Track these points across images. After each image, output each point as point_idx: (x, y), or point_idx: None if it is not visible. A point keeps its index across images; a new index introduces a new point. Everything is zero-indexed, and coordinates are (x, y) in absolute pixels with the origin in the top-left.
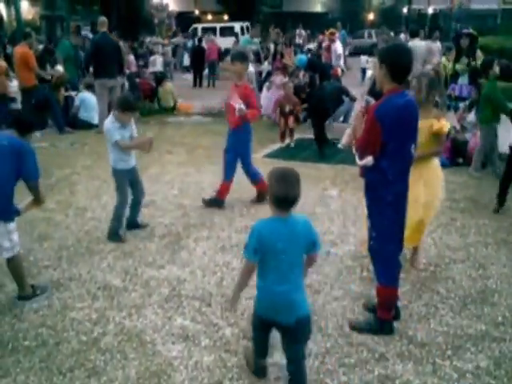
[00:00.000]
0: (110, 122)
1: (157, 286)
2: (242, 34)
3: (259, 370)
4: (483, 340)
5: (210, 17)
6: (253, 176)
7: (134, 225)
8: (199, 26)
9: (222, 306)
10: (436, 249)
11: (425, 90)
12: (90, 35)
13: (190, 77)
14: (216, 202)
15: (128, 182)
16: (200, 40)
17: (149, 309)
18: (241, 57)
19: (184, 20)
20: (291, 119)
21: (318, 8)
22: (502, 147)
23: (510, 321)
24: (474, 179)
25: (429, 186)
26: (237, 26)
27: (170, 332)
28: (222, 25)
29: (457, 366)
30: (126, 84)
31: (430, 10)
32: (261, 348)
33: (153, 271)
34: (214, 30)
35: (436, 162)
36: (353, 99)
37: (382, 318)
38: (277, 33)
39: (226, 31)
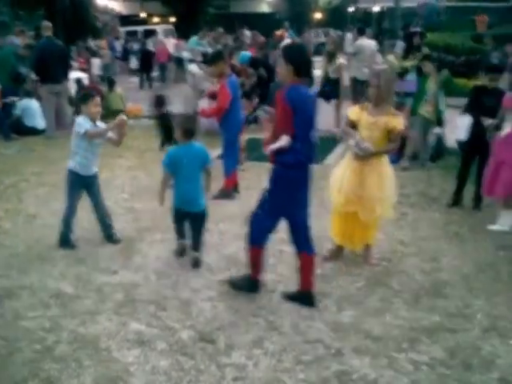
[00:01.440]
0: (81, 119)
1: (110, 291)
2: (166, 36)
3: (181, 250)
4: (437, 331)
5: (156, 19)
6: (224, 168)
7: (108, 238)
8: (122, 30)
9: (178, 310)
10: (388, 244)
11: (384, 87)
12: (16, 41)
13: (136, 80)
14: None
15: (81, 189)
16: (144, 43)
17: (103, 315)
18: (220, 56)
19: (130, 23)
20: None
21: (265, 8)
22: (450, 141)
23: (462, 312)
24: (423, 174)
25: (383, 183)
26: (159, 28)
27: (126, 338)
28: (145, 28)
29: (412, 358)
30: (73, 89)
31: (376, 9)
32: (180, 232)
33: (106, 277)
34: (135, 32)
35: (386, 159)
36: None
37: (253, 277)
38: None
39: (149, 34)
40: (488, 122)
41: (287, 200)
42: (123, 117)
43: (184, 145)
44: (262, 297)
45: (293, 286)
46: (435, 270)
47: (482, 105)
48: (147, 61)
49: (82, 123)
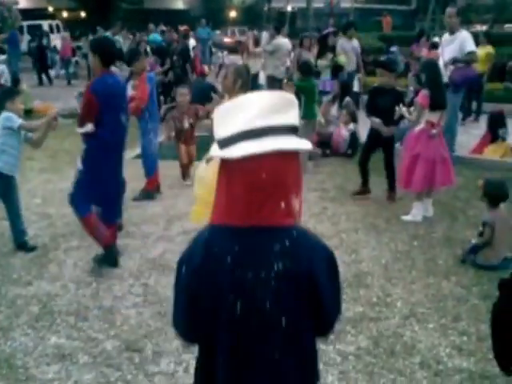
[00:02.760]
0: (9, 114)
1: (25, 304)
2: (52, 32)
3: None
4: (361, 321)
5: (65, 14)
6: (146, 168)
7: (20, 246)
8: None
9: (100, 319)
10: None
11: (230, 78)
12: None
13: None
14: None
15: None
16: (41, 38)
17: (17, 330)
18: (136, 55)
19: (36, 17)
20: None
21: (180, 5)
22: (363, 137)
23: (383, 300)
24: (340, 169)
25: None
26: (45, 24)
27: (44, 353)
28: (30, 23)
29: (340, 349)
30: None
31: (289, 9)
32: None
33: (19, 289)
34: (21, 28)
35: None
36: (221, 96)
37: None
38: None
39: (34, 30)
40: (376, 121)
41: (97, 177)
42: (54, 109)
43: None
44: None
45: None
46: (356, 261)
47: (377, 105)
48: (42, 57)
49: (13, 118)
